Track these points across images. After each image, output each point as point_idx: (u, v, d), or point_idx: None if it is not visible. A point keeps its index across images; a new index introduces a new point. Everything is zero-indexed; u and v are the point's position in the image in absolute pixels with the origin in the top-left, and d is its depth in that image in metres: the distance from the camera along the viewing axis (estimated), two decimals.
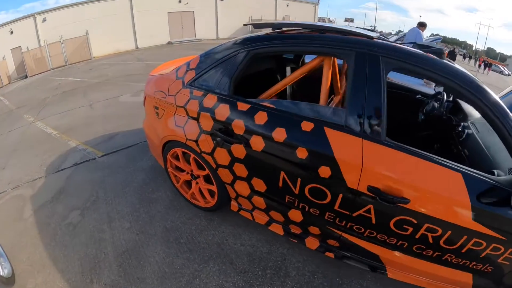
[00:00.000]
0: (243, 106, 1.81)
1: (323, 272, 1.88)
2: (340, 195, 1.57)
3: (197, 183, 2.28)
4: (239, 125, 1.80)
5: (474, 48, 49.68)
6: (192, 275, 1.83)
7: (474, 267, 1.51)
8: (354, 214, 1.59)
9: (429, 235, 1.45)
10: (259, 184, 1.89)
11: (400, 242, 1.57)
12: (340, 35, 1.70)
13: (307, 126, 1.60)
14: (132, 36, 16.65)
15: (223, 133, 1.86)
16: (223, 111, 1.87)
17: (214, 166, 2.01)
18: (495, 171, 1.43)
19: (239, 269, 1.89)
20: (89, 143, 3.64)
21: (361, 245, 1.72)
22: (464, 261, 1.50)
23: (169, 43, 17.12)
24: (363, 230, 1.64)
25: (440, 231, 1.41)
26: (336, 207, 1.63)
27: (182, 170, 2.35)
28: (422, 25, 6.17)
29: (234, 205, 2.16)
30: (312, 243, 1.90)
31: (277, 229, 2.01)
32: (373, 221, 1.55)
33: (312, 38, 1.75)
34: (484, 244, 1.39)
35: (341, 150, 1.50)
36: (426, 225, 1.43)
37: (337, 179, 1.52)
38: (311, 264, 1.93)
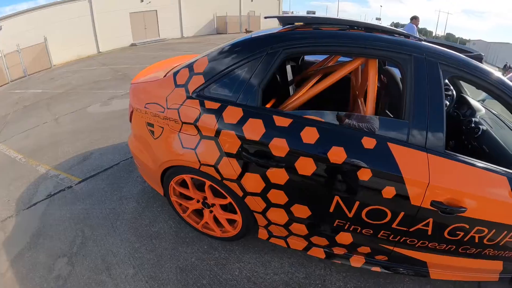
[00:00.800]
0: (282, 121, 1.45)
1: (365, 286, 1.72)
2: (401, 214, 1.41)
3: (211, 211, 1.88)
4: (279, 145, 1.44)
5: (434, 35, 52.22)
6: None
7: (506, 255, 1.58)
8: (412, 229, 1.47)
9: (477, 236, 1.45)
10: (302, 211, 1.58)
11: (449, 246, 1.53)
12: (385, 34, 1.51)
13: (368, 142, 1.35)
14: (93, 40, 15.14)
15: (256, 156, 1.50)
16: (255, 128, 1.48)
17: (240, 194, 1.63)
18: None
19: None
20: (60, 167, 3.05)
21: (411, 255, 1.62)
22: (500, 252, 1.55)
23: (133, 45, 15.88)
24: (416, 241, 1.54)
25: (486, 231, 1.42)
26: (394, 226, 1.47)
27: (189, 198, 1.93)
28: (414, 18, 6.14)
29: (263, 233, 1.83)
30: (358, 261, 1.71)
31: (317, 253, 1.75)
32: (429, 233, 1.47)
33: (363, 38, 1.47)
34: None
35: (408, 168, 1.33)
36: (476, 228, 1.42)
37: (402, 198, 1.36)
38: (352, 280, 1.74)
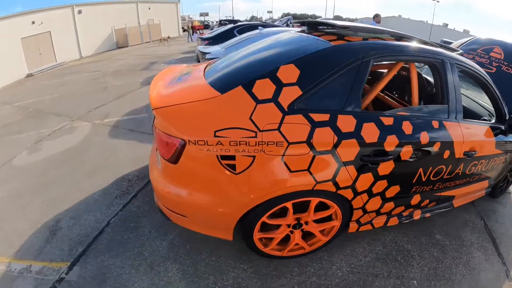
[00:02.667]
0: (388, 121, 1.62)
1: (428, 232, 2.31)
2: (450, 166, 1.94)
3: (302, 230, 1.77)
4: (391, 141, 1.60)
5: (324, 18, 56.95)
6: None
7: (491, 175, 2.41)
8: (453, 175, 2.01)
9: (480, 167, 2.18)
10: (393, 191, 1.81)
11: (466, 179, 2.18)
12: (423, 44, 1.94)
13: (435, 124, 1.78)
14: None
15: (372, 156, 1.58)
16: (371, 132, 1.55)
17: (350, 197, 1.67)
18: (488, 118, 2.35)
19: (393, 272, 1.94)
20: (26, 254, 1.99)
21: (449, 194, 2.18)
22: (488, 173, 2.35)
23: (29, 75, 12.28)
24: (453, 183, 2.09)
25: (484, 162, 2.18)
26: (445, 176, 1.97)
27: (273, 228, 1.73)
28: (376, 16, 6.65)
29: (353, 227, 1.94)
30: (417, 214, 2.15)
31: (393, 222, 2.06)
32: (460, 173, 2.05)
33: (424, 51, 1.84)
34: (497, 160, 2.29)
35: (454, 135, 1.84)
36: (481, 161, 2.13)
37: (452, 155, 1.88)
38: (412, 232, 2.28)
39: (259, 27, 5.83)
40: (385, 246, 2.14)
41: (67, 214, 2.38)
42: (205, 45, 7.70)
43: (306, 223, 1.72)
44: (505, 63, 3.36)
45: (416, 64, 2.29)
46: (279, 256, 1.84)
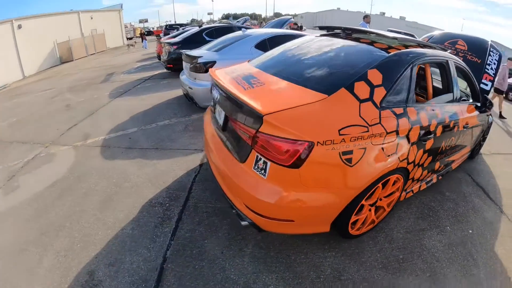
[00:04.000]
0: (429, 108, 2.06)
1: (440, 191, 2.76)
2: (457, 137, 2.45)
3: (377, 207, 1.99)
4: (434, 123, 2.04)
5: (264, 16, 56.90)
6: None
7: (471, 141, 2.93)
8: (456, 143, 2.51)
9: (468, 136, 2.73)
10: (428, 160, 2.17)
11: (461, 146, 2.69)
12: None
13: (449, 108, 2.30)
14: None
15: (424, 135, 1.97)
16: (424, 118, 1.97)
17: (410, 170, 1.98)
18: (466, 99, 2.76)
19: (432, 224, 2.37)
20: None
21: (451, 159, 2.65)
22: (472, 140, 2.91)
23: None
24: (454, 150, 2.57)
25: (471, 131, 2.75)
26: (454, 144, 2.48)
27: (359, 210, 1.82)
28: (366, 17, 6.77)
29: (403, 195, 2.22)
30: (435, 178, 2.58)
31: (423, 186, 2.46)
32: (459, 142, 2.56)
33: (441, 55, 2.29)
34: (476, 129, 2.86)
35: (459, 114, 2.40)
36: (470, 131, 2.70)
37: (458, 129, 2.40)
38: (429, 193, 2.69)
39: (243, 29, 5.48)
40: (418, 208, 2.52)
41: (100, 261, 1.80)
42: (175, 49, 7.04)
43: (380, 199, 1.93)
44: (469, 53, 3.78)
45: None
46: (357, 235, 2.00)
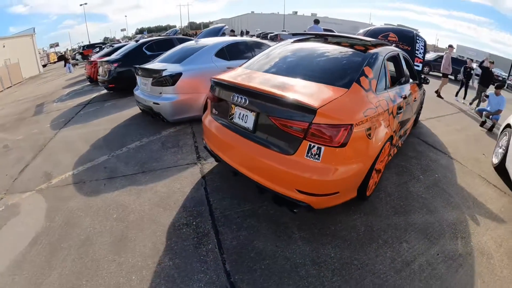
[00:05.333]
0: (397, 90, 2.61)
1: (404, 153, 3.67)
2: (412, 108, 3.27)
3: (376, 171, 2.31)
4: (402, 101, 2.59)
5: (178, 26, 53.78)
6: None
7: (416, 111, 3.72)
8: (413, 113, 3.38)
9: (415, 107, 3.56)
10: (398, 128, 2.66)
11: (413, 116, 3.58)
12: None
13: (407, 87, 2.97)
14: None
15: (399, 110, 2.48)
16: (397, 97, 2.51)
17: (394, 136, 2.48)
18: (407, 79, 3.24)
19: (410, 177, 2.99)
20: None
21: (408, 126, 3.37)
22: (416, 111, 3.81)
23: None
24: (411, 119, 3.40)
25: (417, 104, 3.57)
26: (411, 115, 3.37)
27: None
28: (317, 22, 7.18)
29: (389, 159, 2.74)
30: (400, 143, 3.16)
31: (396, 150, 2.96)
32: (413, 112, 3.42)
33: (397, 49, 2.96)
34: (418, 102, 3.68)
35: (412, 90, 3.13)
36: (416, 104, 3.53)
37: (413, 101, 3.17)
38: (398, 156, 3.39)
39: (195, 39, 5.19)
40: (394, 168, 3.07)
41: None
42: (116, 67, 6.24)
43: (380, 161, 2.29)
44: (400, 42, 4.58)
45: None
46: (368, 196, 2.33)
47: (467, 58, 12.94)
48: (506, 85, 9.70)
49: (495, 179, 3.10)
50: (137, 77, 4.46)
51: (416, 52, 4.50)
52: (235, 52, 4.71)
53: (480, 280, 1.72)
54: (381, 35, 4.86)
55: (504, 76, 17.15)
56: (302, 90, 1.84)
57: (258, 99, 1.83)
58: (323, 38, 2.78)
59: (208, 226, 2.06)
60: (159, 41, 6.94)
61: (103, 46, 12.22)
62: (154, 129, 4.17)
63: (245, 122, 1.96)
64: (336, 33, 2.91)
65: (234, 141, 2.04)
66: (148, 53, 6.56)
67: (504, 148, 3.19)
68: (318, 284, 1.61)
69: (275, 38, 18.66)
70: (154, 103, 4.04)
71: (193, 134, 3.93)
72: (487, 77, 6.95)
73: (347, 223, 2.15)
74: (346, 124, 1.66)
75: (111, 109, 5.58)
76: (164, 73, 3.87)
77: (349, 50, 2.37)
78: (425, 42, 4.63)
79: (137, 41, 7.09)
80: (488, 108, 5.46)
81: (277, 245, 1.88)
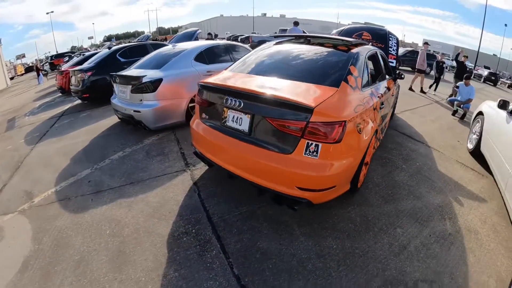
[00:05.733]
0: (379, 86, 2.77)
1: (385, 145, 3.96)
2: (392, 102, 3.74)
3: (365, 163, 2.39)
4: (383, 96, 2.80)
5: (146, 32, 51.61)
6: None
7: (393, 105, 4.08)
8: (389, 107, 3.48)
9: (393, 101, 4.02)
10: (380, 122, 2.78)
11: (389, 109, 3.68)
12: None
13: (384, 83, 3.10)
14: None
15: (381, 105, 2.67)
16: (379, 93, 2.69)
17: (378, 130, 2.63)
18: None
19: (393, 167, 3.41)
20: None
21: (387, 120, 3.48)
22: (393, 104, 4.12)
23: None
24: (387, 112, 3.38)
25: (394, 97, 3.98)
26: (391, 108, 3.77)
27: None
28: (296, 24, 7.26)
29: (373, 152, 2.86)
30: (382, 136, 3.23)
31: (378, 143, 3.00)
32: (392, 105, 3.91)
33: (376, 48, 3.23)
34: (395, 95, 4.04)
35: (389, 86, 3.27)
36: (394, 98, 4.00)
37: (391, 95, 3.48)
38: (380, 148, 3.06)
39: (172, 44, 5.08)
40: (378, 160, 3.22)
41: None
42: (90, 76, 5.96)
43: (368, 154, 2.39)
44: (374, 40, 4.79)
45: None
46: (359, 188, 2.44)
47: (438, 52, 13.84)
48: (473, 75, 10.60)
49: (472, 163, 3.36)
50: (114, 85, 4.30)
51: (390, 49, 4.75)
52: (214, 56, 4.71)
53: (471, 254, 1.86)
54: (355, 34, 5.05)
55: (470, 67, 18.56)
56: (295, 91, 1.89)
57: (254, 101, 1.85)
58: (305, 39, 2.84)
59: (209, 232, 2.03)
60: (133, 47, 6.73)
61: (72, 55, 11.56)
62: (135, 138, 4.02)
63: (240, 125, 1.97)
64: (318, 35, 2.92)
65: (228, 144, 2.03)
66: (122, 60, 6.34)
67: (478, 134, 3.47)
68: (326, 275, 1.66)
69: (246, 41, 18.68)
70: (134, 111, 3.90)
71: (177, 140, 3.83)
72: (462, 71, 7.48)
73: (343, 215, 2.23)
74: (340, 121, 1.74)
75: (87, 120, 5.32)
76: (144, 80, 3.77)
77: (333, 51, 2.48)
78: (397, 39, 4.90)
79: (110, 48, 6.81)
80: (459, 98, 5.88)
81: (281, 243, 1.91)
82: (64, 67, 8.36)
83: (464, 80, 6.08)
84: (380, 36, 4.78)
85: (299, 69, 2.32)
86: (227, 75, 2.42)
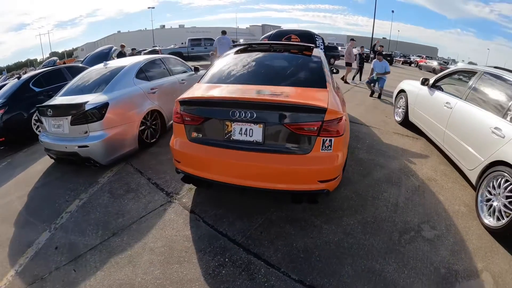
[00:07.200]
0: (335, 82, 3.05)
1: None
2: None
3: None
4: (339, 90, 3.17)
5: (42, 58, 42.32)
6: None
7: None
8: None
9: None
10: None
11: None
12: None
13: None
14: None
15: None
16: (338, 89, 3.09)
17: None
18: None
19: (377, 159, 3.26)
20: None
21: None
22: None
23: None
24: None
25: None
26: None
27: None
28: (224, 33, 7.07)
29: None
30: None
31: None
32: None
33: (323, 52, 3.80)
34: None
35: (329, 79, 3.10)
36: None
37: None
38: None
39: (104, 62, 4.43)
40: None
41: None
42: (2, 114, 4.62)
43: None
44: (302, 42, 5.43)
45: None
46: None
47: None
48: (370, 59, 12.82)
49: (404, 131, 4.38)
50: (44, 119, 3.54)
51: (318, 48, 5.55)
52: (153, 71, 4.49)
53: (440, 195, 2.54)
54: (284, 37, 5.60)
55: (366, 52, 22.37)
56: (300, 95, 2.09)
57: (266, 109, 1.93)
58: (267, 46, 2.99)
59: (243, 254, 2.00)
60: (46, 73, 5.64)
61: None
62: (86, 180, 3.31)
63: (251, 136, 1.97)
64: (277, 42, 3.27)
65: (236, 158, 1.99)
66: (37, 89, 5.21)
67: (403, 108, 4.52)
68: (362, 245, 1.99)
69: (153, 53, 18.20)
70: (79, 146, 3.28)
71: (139, 171, 3.36)
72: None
73: (341, 196, 2.62)
74: (342, 116, 2.01)
75: (11, 170, 4.06)
76: (87, 106, 3.24)
77: (302, 56, 2.76)
78: (322, 39, 5.74)
79: (19, 77, 5.52)
80: (376, 72, 7.13)
81: (312, 236, 2.11)
82: None
83: (376, 56, 7.55)
84: (307, 38, 5.48)
85: (283, 75, 2.52)
86: (216, 87, 2.37)
